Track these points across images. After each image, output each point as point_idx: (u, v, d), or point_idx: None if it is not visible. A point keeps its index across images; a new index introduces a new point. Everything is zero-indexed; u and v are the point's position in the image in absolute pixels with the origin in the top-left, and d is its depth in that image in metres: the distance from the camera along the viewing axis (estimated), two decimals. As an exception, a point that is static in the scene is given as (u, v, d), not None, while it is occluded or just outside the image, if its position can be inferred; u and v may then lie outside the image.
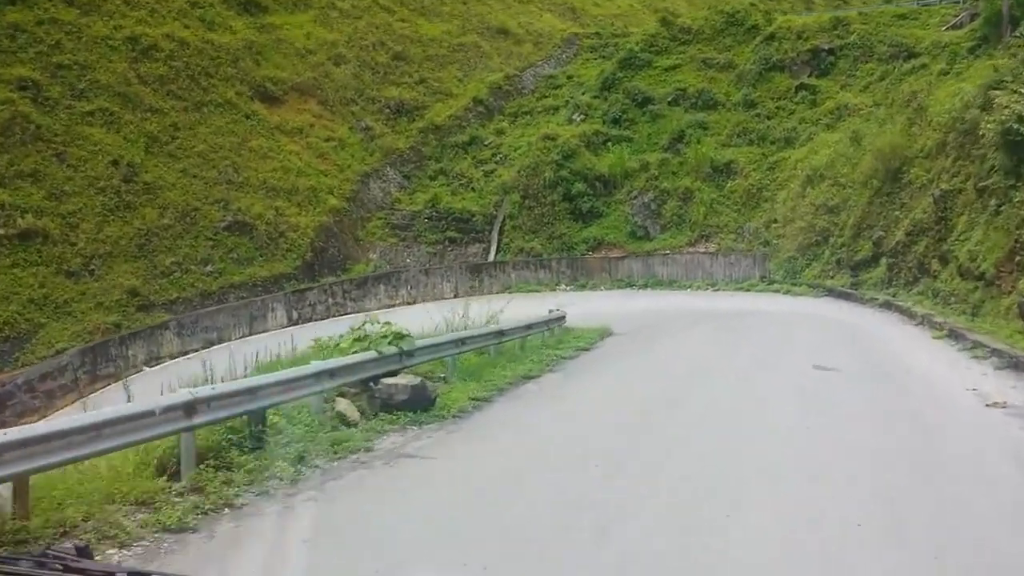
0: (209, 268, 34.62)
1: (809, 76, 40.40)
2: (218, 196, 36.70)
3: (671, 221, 37.54)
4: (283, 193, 38.18)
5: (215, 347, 27.87)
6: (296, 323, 32.69)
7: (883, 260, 27.27)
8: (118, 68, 37.48)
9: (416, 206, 40.56)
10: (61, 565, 1.35)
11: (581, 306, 26.00)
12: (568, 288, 36.24)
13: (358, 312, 34.22)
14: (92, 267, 32.45)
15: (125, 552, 5.98)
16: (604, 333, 21.78)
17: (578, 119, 42.21)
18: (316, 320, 33.12)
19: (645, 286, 35.52)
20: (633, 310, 27.53)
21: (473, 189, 41.17)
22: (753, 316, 25.77)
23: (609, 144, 39.67)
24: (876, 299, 25.89)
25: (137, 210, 34.66)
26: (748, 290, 32.80)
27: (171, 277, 33.64)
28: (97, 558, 1.44)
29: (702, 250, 36.24)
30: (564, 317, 21.75)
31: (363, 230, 39.66)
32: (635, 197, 38.28)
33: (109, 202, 34.13)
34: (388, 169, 42.59)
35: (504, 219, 38.85)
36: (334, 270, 37.30)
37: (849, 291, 28.44)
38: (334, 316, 33.81)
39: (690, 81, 42.71)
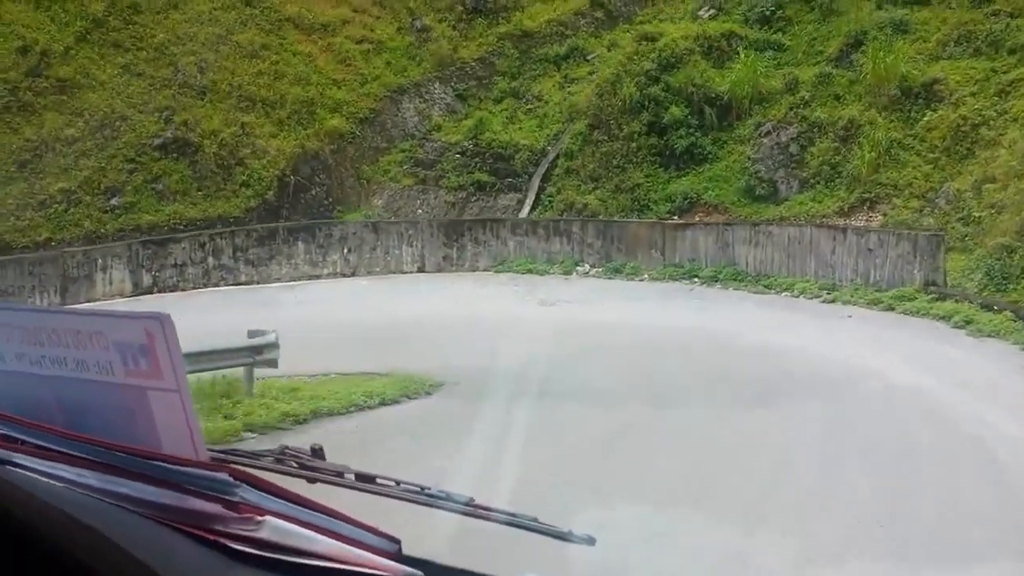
0: (115, 201, 24.52)
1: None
2: (161, 103, 26.48)
3: (817, 174, 22.68)
4: (259, 105, 27.35)
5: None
6: (148, 291, 21.91)
7: None
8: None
9: (456, 135, 28.26)
10: (296, 463, 1.39)
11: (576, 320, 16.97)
12: (592, 271, 23.16)
13: (257, 283, 22.96)
14: (-63, 186, 23.32)
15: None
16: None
17: (706, 14, 27.80)
18: (187, 289, 22.21)
19: (714, 278, 21.62)
20: (651, 360, 14.55)
21: (537, 115, 28.23)
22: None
23: (741, 53, 25.15)
24: None
25: (36, 115, 25.16)
26: (894, 307, 18.15)
27: (51, 209, 23.87)
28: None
29: (860, 222, 21.29)
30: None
31: (374, 165, 27.99)
32: (766, 133, 23.71)
33: (-4, 100, 24.90)
34: (436, 85, 30.47)
35: (556, 159, 25.69)
36: (315, 216, 26.02)
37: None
38: (216, 286, 22.65)
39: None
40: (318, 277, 23.50)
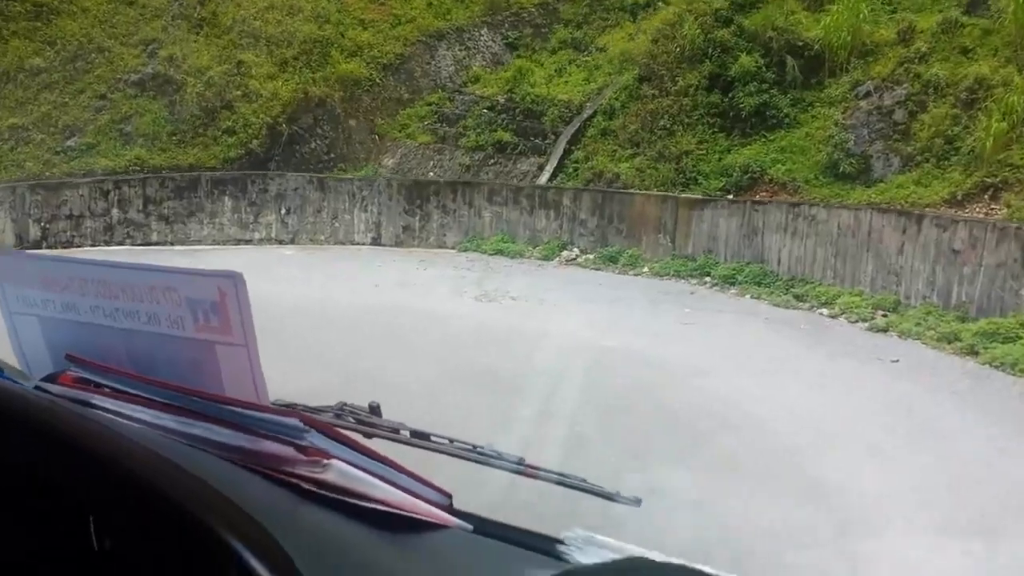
0: (71, 142, 21.01)
1: None
2: (148, 36, 22.87)
3: (927, 149, 16.61)
4: (262, 42, 23.35)
5: None
6: (35, 245, 18.17)
7: None
8: None
9: (491, 88, 23.46)
10: (353, 417, 1.45)
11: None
12: (580, 258, 17.95)
13: (170, 244, 18.96)
14: None
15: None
16: None
17: (805, -52, 21.86)
18: (83, 245, 18.33)
19: (730, 279, 15.93)
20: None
21: (587, 67, 23.07)
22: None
23: (844, -8, 19.24)
24: None
25: (3, 41, 21.96)
26: (978, 351, 11.42)
27: (-6, 146, 20.58)
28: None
29: (977, 215, 15.26)
30: None
31: (391, 119, 23.55)
32: (865, 95, 17.78)
33: (-45, 21, 21.85)
34: (483, 31, 25.75)
35: (591, 117, 20.48)
36: (310, 170, 21.78)
37: None
38: (121, 243, 18.72)
39: None
40: (247, 242, 19.31)
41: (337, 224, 19.81)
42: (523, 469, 1.40)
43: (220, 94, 22.31)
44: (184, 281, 1.30)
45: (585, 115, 20.40)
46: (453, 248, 19.01)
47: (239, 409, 1.23)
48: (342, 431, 1.27)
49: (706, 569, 0.90)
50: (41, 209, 19.15)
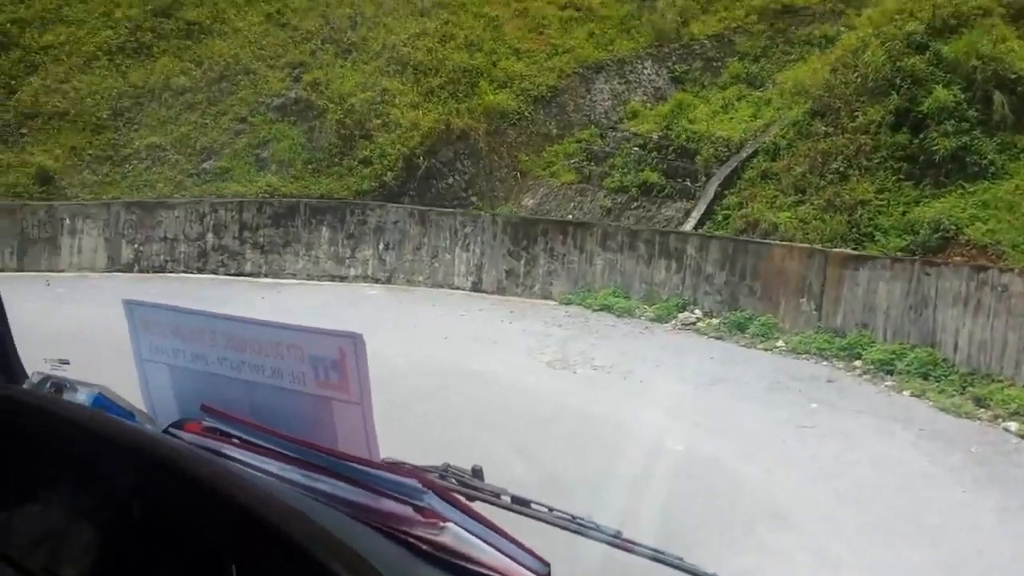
0: (207, 164, 20.53)
1: None
2: (294, 59, 22.26)
3: None
4: (409, 70, 22.20)
5: None
6: (127, 268, 17.32)
7: None
8: None
9: (647, 125, 21.17)
10: (456, 480, 1.48)
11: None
12: (701, 323, 14.94)
13: (265, 276, 17.74)
14: (26, 128, 20.65)
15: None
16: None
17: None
18: (176, 271, 17.30)
19: (887, 366, 12.27)
20: None
21: (755, 103, 20.34)
22: None
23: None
24: None
25: (151, 59, 21.96)
26: None
27: (130, 166, 20.37)
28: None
29: None
30: None
31: (536, 156, 21.73)
32: (1098, 139, 14.28)
33: (112, 41, 21.99)
34: (647, 64, 23.54)
35: (750, 157, 17.70)
36: (445, 206, 20.24)
37: None
38: (214, 272, 17.51)
39: None
40: (341, 279, 17.79)
41: (436, 264, 18.08)
42: (620, 542, 1.40)
43: (360, 122, 21.29)
44: (308, 339, 1.38)
45: (744, 154, 17.73)
46: (554, 300, 16.79)
47: (361, 467, 1.29)
48: (453, 494, 1.30)
49: None
50: (135, 230, 18.60)
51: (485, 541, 1.23)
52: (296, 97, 21.58)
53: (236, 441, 1.40)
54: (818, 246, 14.89)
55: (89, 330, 8.77)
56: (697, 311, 15.13)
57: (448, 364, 11.42)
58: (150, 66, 21.70)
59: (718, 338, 14.29)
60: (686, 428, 9.37)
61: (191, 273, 17.98)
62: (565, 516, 1.41)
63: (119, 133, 20.74)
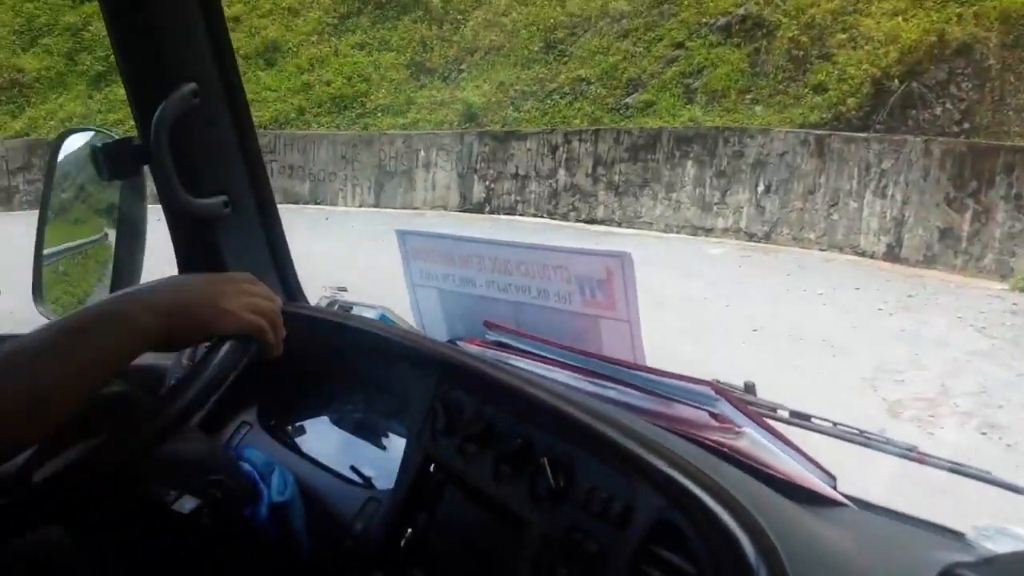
0: (630, 99, 17.72)
1: None
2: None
3: None
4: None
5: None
6: (477, 209, 14.45)
7: None
8: None
9: None
10: (728, 396, 1.32)
11: None
12: None
13: (617, 224, 13.85)
14: (464, 64, 19.90)
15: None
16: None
17: None
18: (525, 214, 13.96)
19: None
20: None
21: None
22: None
23: None
24: None
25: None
26: None
27: (549, 102, 18.40)
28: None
29: None
30: None
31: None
32: None
33: None
34: None
35: None
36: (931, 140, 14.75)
37: None
38: (564, 218, 13.83)
39: None
40: (707, 232, 13.02)
41: (836, 217, 12.62)
42: (915, 455, 1.31)
43: (819, 39, 16.65)
44: (575, 259, 1.39)
45: None
46: (1010, 283, 10.44)
47: (650, 375, 1.28)
48: (742, 403, 1.27)
49: None
50: (488, 164, 16.16)
51: (777, 448, 1.22)
52: (745, 14, 17.63)
53: (522, 353, 1.43)
54: None
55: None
56: None
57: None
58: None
59: None
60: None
61: (540, 216, 15.34)
62: (852, 429, 1.32)
63: (548, 67, 18.87)
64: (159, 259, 1.77)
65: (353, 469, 1.51)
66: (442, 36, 20.50)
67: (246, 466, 1.49)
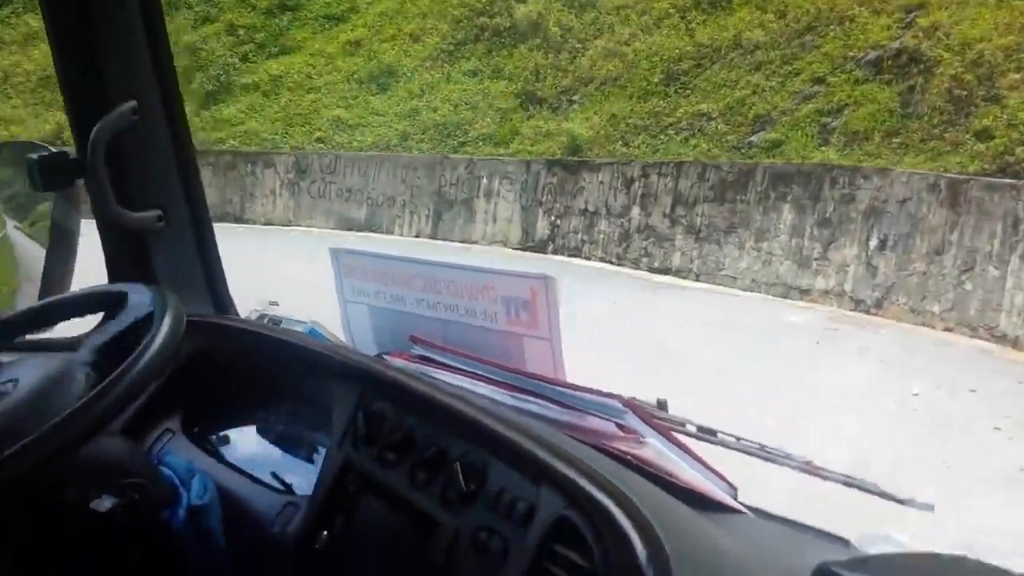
0: (755, 137, 15.50)
1: None
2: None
3: None
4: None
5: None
6: (539, 248, 12.55)
7: None
8: None
9: None
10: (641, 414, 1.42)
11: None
12: None
13: (694, 277, 11.71)
14: (578, 94, 18.17)
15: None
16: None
17: None
18: (592, 258, 11.81)
19: None
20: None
21: None
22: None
23: None
24: None
25: (729, 12, 17.69)
26: None
27: (663, 137, 16.35)
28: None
29: None
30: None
31: None
32: None
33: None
34: None
35: None
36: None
37: None
38: (635, 265, 11.70)
39: None
40: (803, 293, 10.26)
41: (969, 286, 9.61)
42: (810, 469, 1.39)
43: (987, 78, 14.00)
44: (501, 280, 1.46)
45: None
46: None
47: (566, 389, 1.36)
48: (648, 416, 1.33)
49: (1000, 565, 0.89)
50: (554, 197, 14.23)
51: (680, 459, 1.29)
52: (900, 47, 15.16)
53: (446, 368, 1.48)
54: None
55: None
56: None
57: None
58: (724, 21, 17.43)
59: None
60: None
61: (608, 262, 13.04)
62: (753, 444, 1.39)
63: (667, 100, 16.86)
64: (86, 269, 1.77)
65: (274, 476, 1.52)
66: (557, 65, 18.92)
67: (166, 471, 1.48)
